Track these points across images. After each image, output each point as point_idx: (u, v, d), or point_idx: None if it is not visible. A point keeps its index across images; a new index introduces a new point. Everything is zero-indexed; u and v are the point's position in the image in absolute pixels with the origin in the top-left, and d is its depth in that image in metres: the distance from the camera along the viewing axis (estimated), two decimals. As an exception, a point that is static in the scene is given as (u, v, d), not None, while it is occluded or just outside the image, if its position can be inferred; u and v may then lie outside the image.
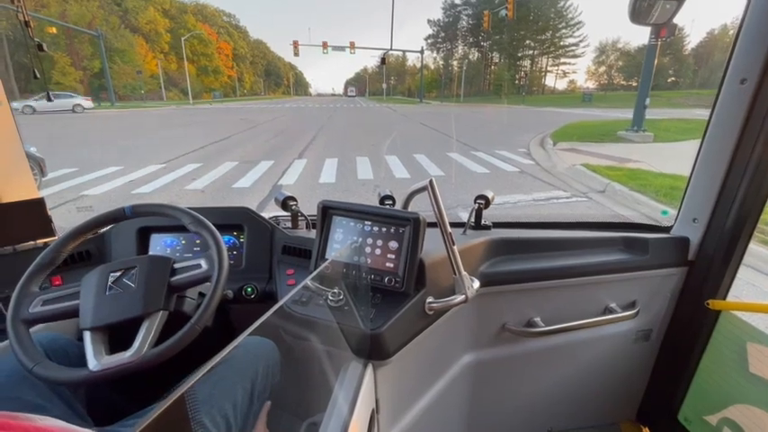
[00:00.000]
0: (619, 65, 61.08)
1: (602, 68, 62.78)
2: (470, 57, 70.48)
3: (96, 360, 0.71)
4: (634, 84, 58.36)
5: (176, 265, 0.84)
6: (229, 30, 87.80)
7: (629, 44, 60.60)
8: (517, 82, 64.69)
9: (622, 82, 61.51)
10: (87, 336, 0.74)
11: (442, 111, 28.91)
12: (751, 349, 1.09)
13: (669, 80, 55.14)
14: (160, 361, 0.72)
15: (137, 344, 0.73)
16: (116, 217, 0.90)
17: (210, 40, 72.41)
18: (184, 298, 0.88)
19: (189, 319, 0.77)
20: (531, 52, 64.85)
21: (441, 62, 77.13)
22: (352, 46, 28.00)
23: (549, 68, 66.14)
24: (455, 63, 71.71)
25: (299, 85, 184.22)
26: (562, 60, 64.78)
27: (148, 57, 51.20)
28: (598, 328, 1.27)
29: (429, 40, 75.80)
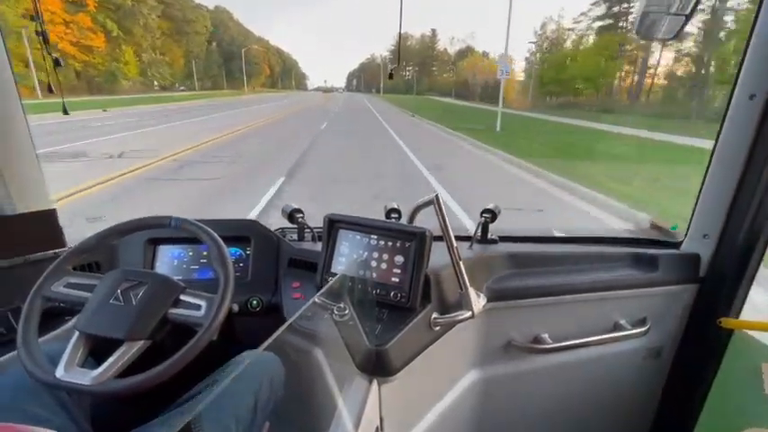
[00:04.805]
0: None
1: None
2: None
3: (65, 369, 0.70)
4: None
5: (182, 297, 0.81)
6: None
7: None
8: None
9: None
10: (74, 337, 0.74)
11: None
12: (766, 370, 1.06)
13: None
14: (154, 384, 0.69)
15: (101, 369, 0.70)
16: (161, 223, 0.90)
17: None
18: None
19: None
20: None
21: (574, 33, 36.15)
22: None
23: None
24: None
25: (287, 77, 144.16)
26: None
27: None
28: (607, 345, 1.26)
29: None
